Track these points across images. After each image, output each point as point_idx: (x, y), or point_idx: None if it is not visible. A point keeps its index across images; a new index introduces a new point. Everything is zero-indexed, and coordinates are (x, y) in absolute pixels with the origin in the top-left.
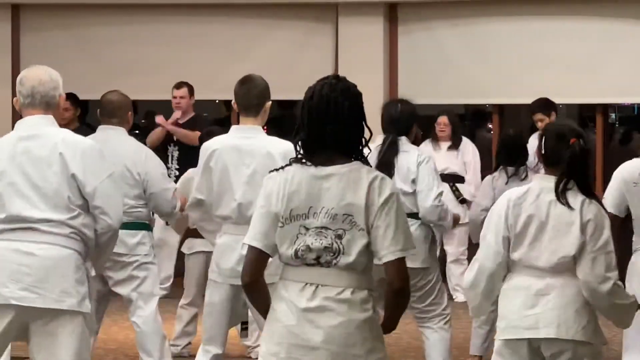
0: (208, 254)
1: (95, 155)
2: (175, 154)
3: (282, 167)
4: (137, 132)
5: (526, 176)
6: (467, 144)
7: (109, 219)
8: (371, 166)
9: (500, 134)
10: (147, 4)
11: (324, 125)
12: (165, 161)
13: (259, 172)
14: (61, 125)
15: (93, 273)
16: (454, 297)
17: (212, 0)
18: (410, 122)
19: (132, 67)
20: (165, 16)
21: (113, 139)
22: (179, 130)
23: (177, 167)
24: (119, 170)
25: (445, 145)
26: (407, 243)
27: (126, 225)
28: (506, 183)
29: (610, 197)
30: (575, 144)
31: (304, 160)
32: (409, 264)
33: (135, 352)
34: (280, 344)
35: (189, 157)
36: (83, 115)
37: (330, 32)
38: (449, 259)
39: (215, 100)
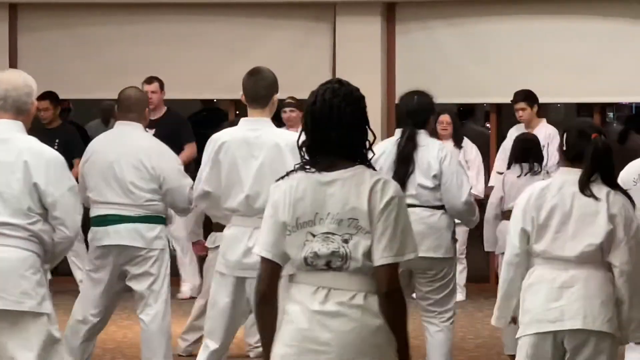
0: None
1: (58, 166)
2: None
3: (287, 174)
4: None
5: (539, 173)
6: (468, 142)
7: (66, 230)
8: (375, 169)
9: (498, 133)
10: (144, 3)
11: (327, 130)
12: None
13: (268, 164)
14: (43, 125)
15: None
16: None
17: (211, 0)
18: (427, 114)
19: (129, 66)
20: (164, 15)
21: (129, 134)
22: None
23: None
24: (133, 165)
25: (447, 144)
26: (401, 249)
27: (144, 219)
28: (518, 176)
29: None
30: (597, 139)
31: (307, 167)
32: (431, 254)
33: (133, 351)
34: (292, 346)
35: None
36: (67, 113)
37: (328, 31)
38: None
39: (214, 99)
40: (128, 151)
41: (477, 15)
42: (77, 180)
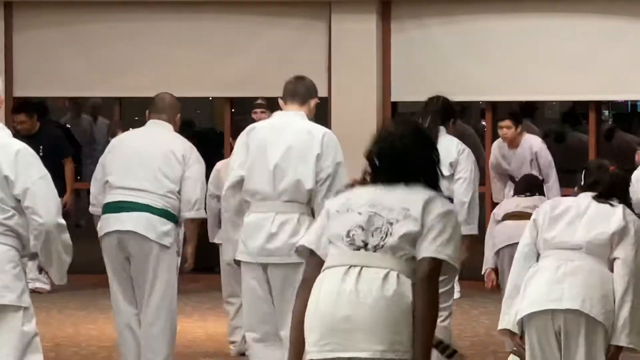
0: None
1: (27, 157)
2: None
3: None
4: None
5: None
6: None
7: (39, 217)
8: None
9: (493, 131)
10: (140, 1)
11: (400, 174)
12: None
13: (296, 147)
14: (23, 136)
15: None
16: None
17: None
18: (449, 114)
19: (124, 65)
20: (159, 14)
21: (162, 128)
22: None
23: None
24: (162, 152)
25: None
26: (454, 254)
27: (159, 211)
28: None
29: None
30: (616, 170)
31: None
32: None
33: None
34: (321, 330)
35: None
36: (45, 114)
37: (323, 29)
38: None
39: (209, 97)
40: (160, 141)
41: (473, 13)
42: (72, 175)
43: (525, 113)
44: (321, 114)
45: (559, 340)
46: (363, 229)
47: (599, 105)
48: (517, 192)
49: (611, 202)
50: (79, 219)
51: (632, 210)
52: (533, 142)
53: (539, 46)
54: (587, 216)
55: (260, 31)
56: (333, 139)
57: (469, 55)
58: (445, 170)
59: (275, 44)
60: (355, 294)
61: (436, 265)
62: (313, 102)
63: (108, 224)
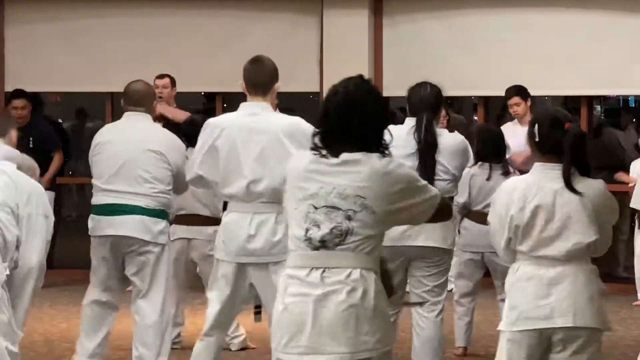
0: (190, 241)
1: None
2: None
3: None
4: None
5: (507, 171)
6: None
7: (26, 258)
8: (391, 156)
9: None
10: None
11: (348, 119)
12: None
13: (268, 148)
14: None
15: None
16: (448, 288)
17: None
18: (440, 104)
19: (116, 59)
20: (150, 9)
21: (141, 123)
22: (168, 109)
23: None
24: (146, 153)
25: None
26: (429, 209)
27: (151, 212)
28: (488, 179)
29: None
30: (573, 128)
31: (322, 152)
32: (440, 244)
33: (126, 343)
34: (289, 333)
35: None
36: (40, 108)
37: (315, 24)
38: None
39: (201, 92)
40: (142, 139)
41: (464, 8)
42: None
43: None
44: (313, 108)
45: (544, 343)
46: (319, 228)
47: (590, 100)
48: (486, 158)
49: (577, 188)
50: (70, 212)
51: (590, 172)
52: None
53: (530, 41)
54: (557, 218)
55: (252, 26)
56: (305, 133)
57: (460, 50)
58: (450, 169)
59: (267, 39)
60: (319, 298)
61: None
62: (276, 87)
63: (100, 227)
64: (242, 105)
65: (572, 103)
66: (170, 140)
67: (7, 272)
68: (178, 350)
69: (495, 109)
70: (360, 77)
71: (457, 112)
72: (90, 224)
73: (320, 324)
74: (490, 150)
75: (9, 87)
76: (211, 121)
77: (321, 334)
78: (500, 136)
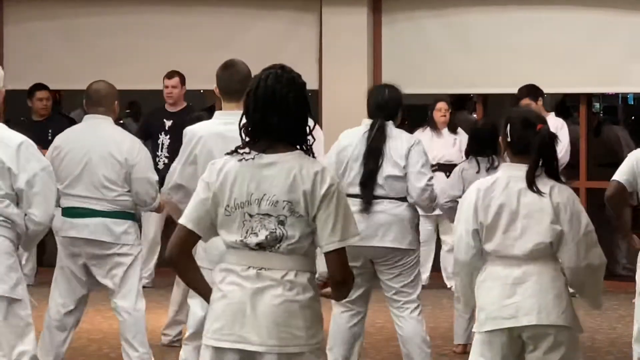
0: None
1: (29, 148)
2: (166, 142)
3: (229, 153)
4: (121, 122)
5: (498, 165)
6: (462, 133)
7: (35, 216)
8: (314, 156)
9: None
10: None
11: (269, 114)
12: (156, 149)
13: None
14: (32, 118)
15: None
16: (448, 286)
17: None
18: (397, 107)
19: (116, 57)
20: (150, 6)
21: (100, 127)
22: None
23: (167, 155)
24: (105, 158)
25: (445, 131)
26: (345, 233)
27: (112, 214)
28: (477, 172)
29: (621, 168)
30: (543, 130)
31: (243, 151)
32: (396, 244)
33: (118, 342)
34: (223, 320)
35: (179, 147)
36: (58, 105)
37: (314, 22)
38: (444, 248)
39: (200, 90)
40: (99, 143)
41: (463, 6)
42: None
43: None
44: (312, 107)
45: (517, 344)
46: (256, 235)
47: (589, 97)
48: (473, 152)
49: (540, 189)
50: None
51: (559, 176)
52: (557, 122)
53: (530, 39)
54: (520, 217)
55: (251, 23)
56: None
57: (459, 48)
58: (397, 171)
59: (266, 37)
60: (256, 291)
61: (343, 254)
62: None
63: (64, 228)
64: (217, 113)
65: (571, 100)
66: (129, 143)
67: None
68: (177, 348)
69: (495, 107)
70: (281, 67)
71: (464, 109)
72: (57, 225)
73: (255, 314)
74: (477, 145)
75: (9, 86)
76: (189, 129)
77: (255, 325)
78: (489, 131)
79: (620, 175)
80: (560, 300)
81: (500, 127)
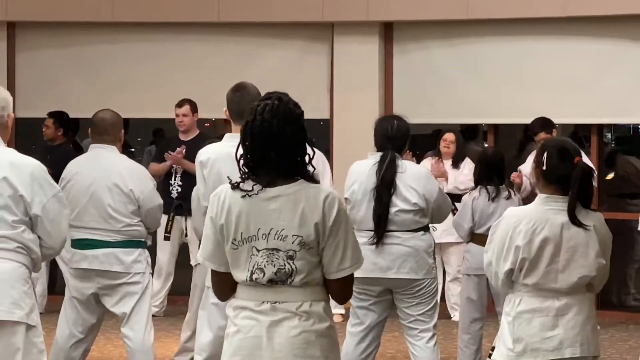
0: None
1: (41, 174)
2: (179, 170)
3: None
4: (132, 150)
5: (509, 195)
6: (468, 162)
7: (49, 240)
8: (318, 182)
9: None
10: (142, 22)
11: (267, 149)
12: (169, 177)
13: None
14: (45, 141)
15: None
16: (451, 315)
17: (208, 19)
18: (405, 138)
19: (126, 85)
20: (161, 34)
21: (105, 157)
22: (185, 163)
23: (180, 183)
24: (110, 188)
25: (448, 163)
26: (354, 259)
27: (122, 244)
28: (488, 201)
29: None
30: (581, 162)
31: (248, 188)
32: (412, 275)
33: None
34: (240, 355)
35: (192, 175)
36: (73, 133)
37: (325, 51)
38: (447, 278)
39: (212, 118)
40: (105, 175)
41: (474, 35)
42: None
43: (528, 136)
44: (323, 135)
45: None
46: (263, 272)
47: (601, 128)
48: (481, 181)
49: (583, 222)
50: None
51: (590, 205)
52: None
53: (540, 69)
54: (563, 251)
55: (263, 52)
56: None
57: (470, 78)
58: (407, 206)
59: (277, 66)
60: (272, 324)
61: (350, 280)
62: None
63: (74, 259)
64: (227, 136)
65: (582, 131)
66: (135, 172)
67: None
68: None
69: (505, 137)
70: (278, 98)
71: (474, 139)
72: (67, 256)
73: (272, 347)
74: (485, 174)
75: (20, 114)
76: (200, 152)
77: (272, 357)
78: (498, 160)
79: None
80: (595, 330)
81: (535, 155)
